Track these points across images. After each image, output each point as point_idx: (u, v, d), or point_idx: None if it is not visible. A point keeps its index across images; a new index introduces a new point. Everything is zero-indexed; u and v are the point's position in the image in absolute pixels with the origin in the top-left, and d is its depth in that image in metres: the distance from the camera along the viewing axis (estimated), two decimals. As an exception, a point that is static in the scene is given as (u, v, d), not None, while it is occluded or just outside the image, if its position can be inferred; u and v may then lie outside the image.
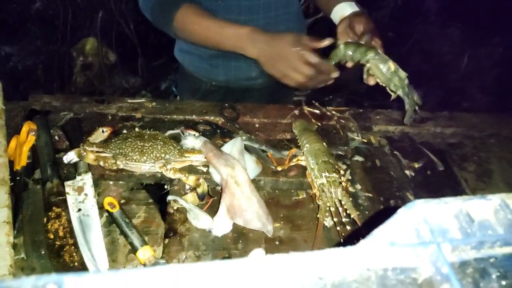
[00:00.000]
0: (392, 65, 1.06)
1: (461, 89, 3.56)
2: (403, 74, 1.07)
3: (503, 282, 0.30)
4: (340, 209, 0.96)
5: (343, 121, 1.26)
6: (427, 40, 3.77)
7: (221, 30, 1.14)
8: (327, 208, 0.96)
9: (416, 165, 1.18)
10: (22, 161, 0.99)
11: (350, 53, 1.09)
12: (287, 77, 1.10)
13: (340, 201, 0.96)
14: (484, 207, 0.34)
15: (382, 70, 1.06)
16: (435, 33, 3.76)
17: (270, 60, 1.10)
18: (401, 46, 3.76)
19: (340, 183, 0.99)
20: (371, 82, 1.11)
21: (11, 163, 0.98)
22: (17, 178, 0.96)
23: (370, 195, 1.05)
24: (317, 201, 0.98)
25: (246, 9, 1.25)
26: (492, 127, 1.35)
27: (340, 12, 1.19)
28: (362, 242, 0.31)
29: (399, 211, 0.33)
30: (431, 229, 0.32)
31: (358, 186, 1.07)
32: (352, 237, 0.91)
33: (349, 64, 1.12)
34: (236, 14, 1.25)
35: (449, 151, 1.26)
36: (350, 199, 0.98)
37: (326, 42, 1.09)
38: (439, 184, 1.13)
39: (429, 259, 0.31)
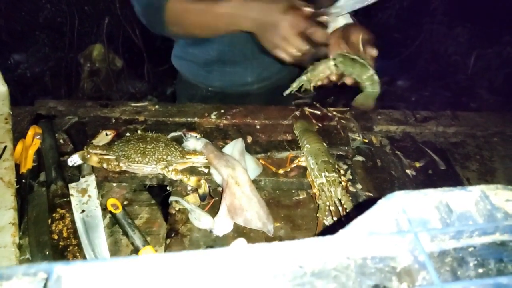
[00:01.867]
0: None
1: (469, 90, 3.53)
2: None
3: (480, 270, 0.31)
4: (340, 208, 0.96)
5: (344, 122, 1.27)
6: (434, 40, 3.75)
7: (213, 9, 1.07)
8: (327, 208, 0.96)
9: (418, 165, 1.18)
10: (28, 164, 1.01)
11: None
12: (279, 48, 1.00)
13: (339, 200, 0.97)
14: (464, 199, 0.35)
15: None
16: (442, 33, 3.74)
17: (263, 30, 1.02)
18: (408, 47, 3.75)
19: (340, 182, 1.00)
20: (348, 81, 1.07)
21: (17, 166, 1.01)
22: (23, 180, 0.98)
23: (371, 194, 1.05)
24: (317, 201, 0.99)
25: None
26: (496, 126, 1.35)
27: (333, 24, 1.13)
28: (342, 231, 0.32)
29: (379, 201, 0.34)
30: (409, 219, 0.33)
31: (359, 186, 1.07)
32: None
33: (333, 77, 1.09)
34: None
35: (451, 150, 1.26)
36: (350, 198, 0.98)
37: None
38: (441, 183, 1.13)
39: (407, 248, 0.32)
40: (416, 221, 0.33)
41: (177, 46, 1.49)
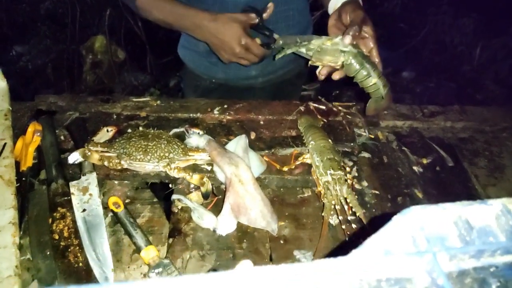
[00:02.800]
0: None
1: (475, 81, 3.49)
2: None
3: (503, 293, 0.29)
4: (346, 207, 0.94)
5: (349, 117, 1.24)
6: (440, 31, 3.70)
7: (172, 11, 1.18)
8: (332, 206, 0.94)
9: (425, 161, 1.15)
10: (28, 161, 1.00)
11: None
12: (230, 60, 1.16)
13: (345, 199, 0.95)
14: (485, 213, 0.33)
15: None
16: (447, 23, 3.68)
17: (216, 48, 1.16)
18: (413, 37, 3.70)
19: (346, 180, 0.98)
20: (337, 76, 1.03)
21: (17, 164, 0.99)
22: (23, 178, 0.97)
23: (377, 192, 1.03)
24: (323, 199, 0.97)
25: (243, 6, 1.23)
26: (504, 121, 1.32)
27: (333, 5, 1.13)
28: (355, 251, 0.30)
29: (394, 218, 0.31)
30: (427, 237, 0.30)
31: (365, 183, 1.05)
32: (358, 236, 0.89)
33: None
34: (232, 11, 1.23)
35: (460, 146, 1.23)
36: (356, 196, 0.96)
37: (254, 16, 1.13)
38: (449, 180, 1.11)
39: (425, 269, 0.30)
40: (434, 238, 0.31)
41: (183, 36, 1.47)
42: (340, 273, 0.29)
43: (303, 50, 1.02)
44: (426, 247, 0.30)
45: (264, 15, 1.15)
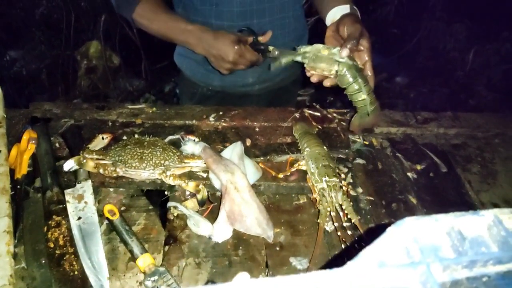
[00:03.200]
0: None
1: (468, 86, 3.52)
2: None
3: (496, 303, 0.30)
4: (341, 213, 0.95)
5: (344, 124, 1.25)
6: (433, 36, 3.74)
7: (171, 26, 1.21)
8: (328, 213, 0.95)
9: (419, 167, 1.16)
10: (23, 169, 0.99)
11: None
12: (225, 69, 1.19)
13: (340, 205, 0.95)
14: (477, 224, 0.34)
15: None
16: (441, 29, 3.72)
17: (213, 59, 1.18)
18: (406, 43, 3.73)
19: (341, 187, 0.98)
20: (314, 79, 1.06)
21: (12, 172, 0.99)
22: (18, 186, 0.96)
23: (372, 198, 1.04)
24: (318, 206, 0.97)
25: (239, 15, 1.25)
26: (497, 127, 1.34)
27: (332, 17, 1.15)
28: (350, 263, 0.31)
29: (389, 229, 0.32)
30: (421, 248, 0.31)
31: (360, 190, 1.06)
32: (354, 244, 0.90)
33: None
34: (228, 20, 1.25)
35: (453, 152, 1.24)
36: (351, 203, 0.97)
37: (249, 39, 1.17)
38: (442, 186, 1.12)
39: (419, 280, 0.30)
40: (428, 249, 0.32)
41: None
42: (336, 285, 0.29)
43: (298, 58, 1.03)
44: (420, 258, 0.31)
45: (260, 38, 1.18)
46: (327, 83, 1.04)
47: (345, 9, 1.14)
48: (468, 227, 0.33)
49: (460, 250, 0.32)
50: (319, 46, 1.02)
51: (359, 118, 1.08)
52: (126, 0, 1.24)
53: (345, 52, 0.97)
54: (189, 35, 1.18)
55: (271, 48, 1.14)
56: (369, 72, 1.02)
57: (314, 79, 1.05)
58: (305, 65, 1.03)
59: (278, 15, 1.28)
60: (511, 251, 0.31)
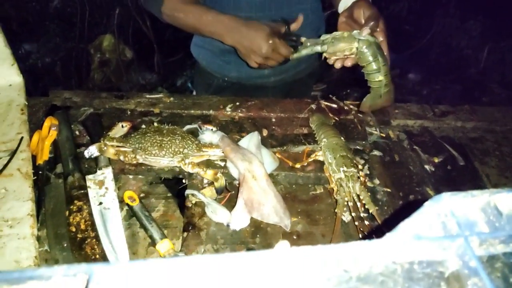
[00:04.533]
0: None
1: (481, 84, 3.49)
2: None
3: (533, 277, 0.30)
4: (358, 204, 0.95)
5: (361, 115, 1.25)
6: (446, 33, 3.70)
7: (201, 16, 1.18)
8: (345, 203, 0.95)
9: (436, 160, 1.16)
10: (44, 155, 1.01)
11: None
12: (257, 63, 1.15)
13: (358, 195, 0.95)
14: (513, 201, 0.34)
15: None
16: (454, 26, 3.68)
17: (244, 52, 1.15)
18: (419, 40, 3.70)
19: (358, 177, 0.98)
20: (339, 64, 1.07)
21: (34, 158, 1.00)
22: (40, 172, 0.98)
23: (389, 190, 1.04)
24: (335, 196, 0.97)
25: (258, 6, 1.25)
26: (514, 121, 1.32)
27: (344, 4, 1.15)
28: (388, 235, 0.31)
29: (426, 204, 0.32)
30: (458, 222, 0.31)
31: (377, 181, 1.06)
32: (372, 234, 0.90)
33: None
34: (246, 11, 1.25)
35: (470, 146, 1.23)
36: (369, 193, 0.97)
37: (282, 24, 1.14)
38: (460, 179, 1.11)
39: (456, 252, 0.30)
40: (465, 223, 0.32)
41: (197, 35, 1.49)
42: (374, 255, 0.30)
43: (318, 48, 1.03)
44: (457, 231, 0.31)
45: (293, 25, 1.16)
46: (348, 62, 1.05)
47: None
48: (505, 203, 0.33)
49: (497, 225, 0.32)
50: (337, 32, 1.02)
51: (371, 99, 1.10)
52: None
53: (366, 31, 0.99)
54: (219, 25, 1.15)
55: (303, 39, 1.11)
56: (385, 52, 1.03)
57: (337, 65, 1.06)
58: (325, 54, 1.04)
59: (296, 7, 1.28)
60: (548, 227, 0.32)
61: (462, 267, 0.30)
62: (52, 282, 0.27)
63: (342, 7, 1.16)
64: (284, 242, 0.34)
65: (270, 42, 1.09)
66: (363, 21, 1.05)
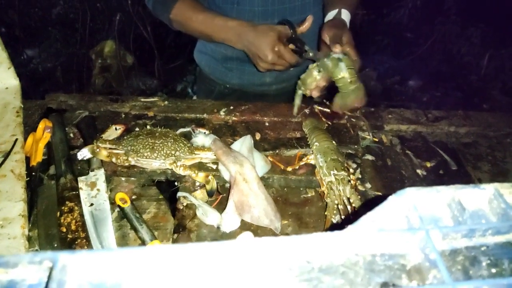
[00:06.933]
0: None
1: (482, 91, 3.49)
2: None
3: (493, 270, 0.30)
4: (349, 207, 0.95)
5: (354, 120, 1.25)
6: (447, 40, 3.71)
7: (210, 23, 1.20)
8: (335, 206, 0.95)
9: (429, 165, 1.16)
10: (38, 157, 1.02)
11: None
12: (264, 68, 1.18)
13: (348, 199, 0.96)
14: (478, 197, 0.34)
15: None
16: (455, 33, 3.70)
17: (252, 56, 1.17)
18: (420, 46, 3.72)
19: (349, 181, 0.99)
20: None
21: (28, 159, 1.02)
22: (33, 173, 0.99)
23: (380, 194, 1.04)
24: (326, 199, 0.98)
25: (260, 14, 1.27)
26: (508, 126, 1.32)
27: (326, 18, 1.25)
28: (350, 227, 0.32)
29: (390, 198, 0.33)
30: (420, 216, 0.32)
31: (368, 185, 1.06)
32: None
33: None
34: (249, 19, 1.26)
35: (463, 151, 1.24)
36: (359, 197, 0.97)
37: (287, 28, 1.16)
38: (452, 183, 1.09)
39: (418, 245, 0.31)
40: (427, 218, 0.32)
41: (200, 41, 1.51)
42: (336, 246, 0.30)
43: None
44: (419, 225, 0.31)
45: (301, 28, 1.18)
46: (321, 83, 1.16)
47: (331, 15, 1.23)
48: (469, 199, 0.34)
49: (460, 220, 0.33)
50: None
51: (340, 98, 1.16)
52: (163, 2, 1.25)
53: (337, 48, 1.08)
54: (229, 31, 1.17)
55: (307, 48, 1.15)
56: (353, 57, 1.10)
57: (315, 94, 1.19)
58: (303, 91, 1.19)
59: (299, 15, 1.30)
60: (510, 222, 0.32)
61: (423, 260, 0.30)
62: (18, 269, 0.27)
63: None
64: (247, 233, 0.34)
65: (276, 49, 1.11)
66: (328, 42, 1.14)
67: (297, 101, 1.23)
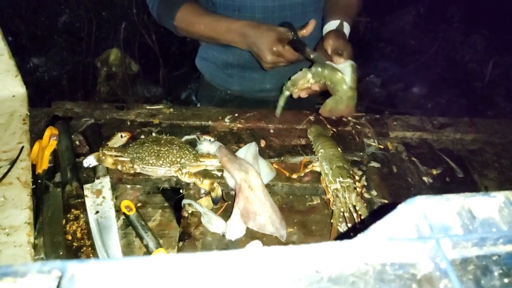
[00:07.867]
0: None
1: (486, 98, 3.48)
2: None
3: (506, 280, 0.30)
4: (355, 214, 0.95)
5: (359, 127, 1.25)
6: (451, 47, 3.71)
7: (214, 27, 1.21)
8: (341, 214, 0.95)
9: (435, 172, 1.16)
10: (44, 164, 1.02)
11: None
12: (267, 67, 1.19)
13: (354, 206, 0.95)
14: (488, 205, 0.34)
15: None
16: (458, 40, 3.70)
17: (255, 56, 1.19)
18: (424, 54, 3.72)
19: (355, 188, 0.98)
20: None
21: (34, 167, 1.02)
22: (39, 181, 0.99)
23: (386, 201, 1.03)
24: (331, 207, 0.97)
25: (260, 9, 1.27)
26: (515, 134, 1.32)
27: (325, 31, 1.25)
28: (360, 236, 0.31)
29: (399, 206, 0.33)
30: (430, 225, 0.32)
31: (374, 192, 1.06)
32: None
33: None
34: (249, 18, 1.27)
35: (469, 158, 1.23)
36: (365, 205, 0.97)
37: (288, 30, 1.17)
38: (458, 191, 1.07)
39: (428, 254, 0.31)
40: (437, 227, 0.32)
41: (202, 48, 1.52)
42: (346, 256, 0.30)
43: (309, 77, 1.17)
44: (429, 234, 0.31)
45: (303, 32, 1.19)
46: (315, 87, 1.18)
47: (333, 25, 1.23)
48: (479, 207, 0.34)
49: (470, 228, 0.32)
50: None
51: (333, 103, 1.17)
52: (167, 9, 1.26)
53: (339, 59, 1.12)
54: (234, 33, 1.18)
55: (308, 49, 1.16)
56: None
57: (302, 95, 1.21)
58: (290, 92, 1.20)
59: (300, 23, 1.30)
60: (521, 231, 0.32)
61: (434, 269, 0.30)
62: (27, 278, 0.27)
63: (324, 31, 1.25)
64: (256, 242, 0.34)
65: (274, 49, 1.12)
66: (329, 52, 1.16)
67: (281, 102, 1.23)
